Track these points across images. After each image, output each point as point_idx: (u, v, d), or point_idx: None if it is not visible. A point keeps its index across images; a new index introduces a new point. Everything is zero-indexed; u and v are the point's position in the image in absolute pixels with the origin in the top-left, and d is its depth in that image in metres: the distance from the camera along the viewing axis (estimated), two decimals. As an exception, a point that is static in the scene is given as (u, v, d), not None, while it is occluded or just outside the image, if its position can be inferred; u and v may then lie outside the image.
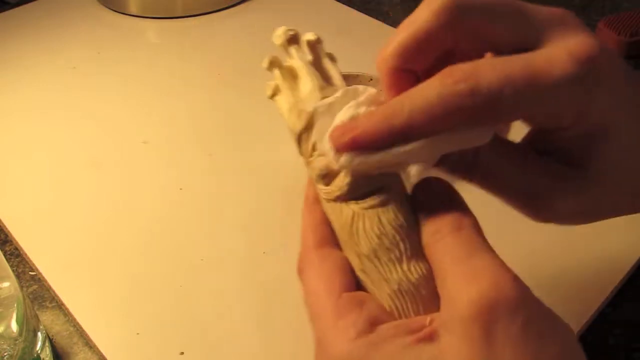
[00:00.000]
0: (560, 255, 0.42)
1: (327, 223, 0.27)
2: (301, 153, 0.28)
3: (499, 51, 0.25)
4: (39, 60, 0.63)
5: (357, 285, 0.25)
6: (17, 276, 0.41)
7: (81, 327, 0.38)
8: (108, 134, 0.53)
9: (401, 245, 0.24)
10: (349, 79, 0.51)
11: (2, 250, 0.41)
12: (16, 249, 0.45)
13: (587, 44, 0.23)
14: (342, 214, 0.25)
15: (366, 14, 0.70)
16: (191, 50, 0.65)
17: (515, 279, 0.22)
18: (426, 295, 0.24)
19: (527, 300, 0.22)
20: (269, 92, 0.29)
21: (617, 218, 0.45)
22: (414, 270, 0.24)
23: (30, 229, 0.44)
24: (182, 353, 0.36)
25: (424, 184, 0.25)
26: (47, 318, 0.40)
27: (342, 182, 0.25)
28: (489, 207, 0.46)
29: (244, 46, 0.64)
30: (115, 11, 0.72)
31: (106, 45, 0.66)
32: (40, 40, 0.66)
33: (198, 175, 0.49)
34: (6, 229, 0.45)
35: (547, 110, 0.24)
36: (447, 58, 0.25)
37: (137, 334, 0.37)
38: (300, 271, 0.26)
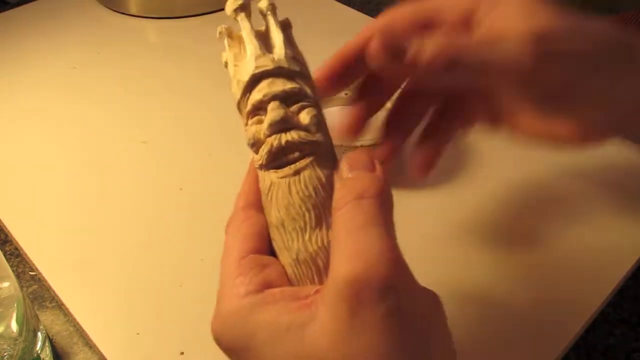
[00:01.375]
0: (560, 255, 0.42)
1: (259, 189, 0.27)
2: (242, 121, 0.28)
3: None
4: (39, 60, 0.63)
5: (271, 250, 0.26)
6: (17, 276, 0.41)
7: (81, 327, 0.38)
8: (108, 134, 0.53)
9: (306, 215, 0.25)
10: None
11: (2, 250, 0.41)
12: (16, 249, 0.45)
13: None
14: (264, 183, 0.26)
15: (366, 14, 0.70)
16: (191, 50, 0.65)
17: (394, 261, 0.22)
18: (323, 266, 0.24)
19: (400, 284, 0.21)
20: (223, 61, 0.29)
21: (618, 218, 0.45)
22: (314, 241, 0.24)
23: (30, 229, 0.44)
24: (182, 353, 0.36)
25: (349, 154, 0.26)
26: (47, 318, 0.40)
27: (263, 150, 0.26)
28: (490, 207, 0.46)
29: (244, 46, 0.64)
30: (115, 11, 0.72)
31: (106, 45, 0.66)
32: (40, 40, 0.66)
33: (198, 175, 0.49)
34: (6, 229, 0.45)
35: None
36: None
37: (137, 334, 0.37)
38: (226, 229, 0.27)
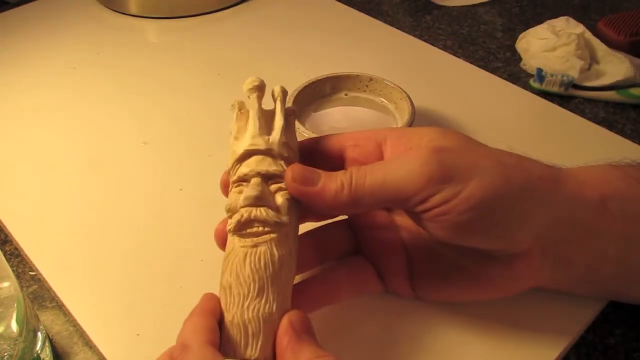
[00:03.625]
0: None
1: None
2: None
3: None
4: (39, 60, 0.63)
5: None
6: (17, 276, 0.41)
7: (81, 327, 0.38)
8: (108, 135, 0.53)
9: (251, 285, 0.28)
10: (349, 79, 0.52)
11: (2, 250, 0.41)
12: (16, 249, 0.45)
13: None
14: (228, 246, 0.30)
15: (366, 13, 0.70)
16: (191, 50, 0.65)
17: None
18: (251, 334, 0.27)
19: None
20: (230, 131, 0.33)
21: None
22: (251, 310, 0.27)
23: (30, 229, 0.44)
24: (182, 353, 0.36)
25: None
26: (47, 318, 0.40)
27: (234, 218, 0.29)
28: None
29: (244, 46, 0.65)
30: (115, 11, 0.72)
31: (106, 45, 0.66)
32: (40, 40, 0.66)
33: (198, 175, 0.49)
34: (6, 229, 0.45)
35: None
36: None
37: (137, 334, 0.37)
38: None
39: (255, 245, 0.29)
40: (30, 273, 0.43)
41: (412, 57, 0.63)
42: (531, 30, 0.65)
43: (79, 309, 0.39)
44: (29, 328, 0.33)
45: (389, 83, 0.50)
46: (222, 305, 0.29)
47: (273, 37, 0.66)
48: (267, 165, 0.30)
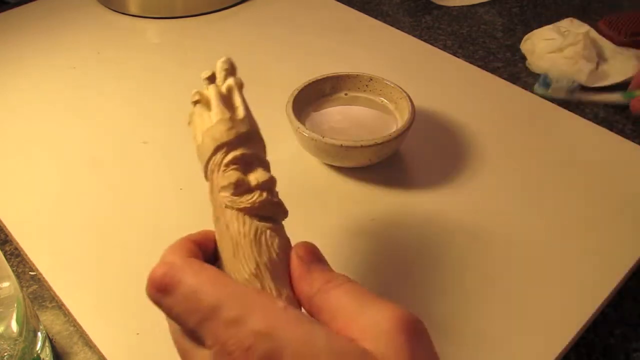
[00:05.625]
0: (560, 256, 0.42)
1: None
2: (206, 159, 0.32)
3: None
4: (39, 60, 0.63)
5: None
6: (17, 276, 0.41)
7: (81, 327, 0.38)
8: (108, 134, 0.53)
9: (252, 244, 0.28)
10: (349, 79, 0.52)
11: (2, 250, 0.41)
12: (16, 249, 0.45)
13: None
14: (245, 224, 0.29)
15: (366, 13, 0.70)
16: (191, 50, 0.65)
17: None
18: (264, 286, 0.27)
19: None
20: (189, 120, 0.33)
21: (618, 218, 0.45)
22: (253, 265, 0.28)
23: (30, 229, 0.44)
24: (182, 353, 0.36)
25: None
26: (47, 318, 0.40)
27: (255, 199, 0.29)
28: (489, 207, 0.46)
29: (244, 46, 0.64)
30: (115, 11, 0.72)
31: (106, 45, 0.66)
32: (40, 40, 0.66)
33: (198, 175, 0.49)
34: (6, 229, 0.45)
35: None
36: None
37: (137, 334, 0.37)
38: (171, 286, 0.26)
39: (274, 230, 0.29)
40: (30, 273, 0.43)
41: (412, 57, 0.63)
42: (536, 32, 0.65)
43: (79, 309, 0.39)
44: (29, 328, 0.33)
45: (388, 83, 0.50)
46: (229, 269, 0.29)
47: (273, 37, 0.66)
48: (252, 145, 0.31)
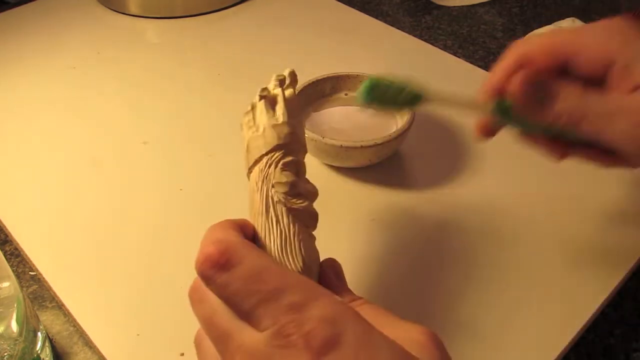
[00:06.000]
0: (560, 256, 0.42)
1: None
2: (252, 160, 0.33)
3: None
4: (39, 60, 0.63)
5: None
6: (17, 276, 0.41)
7: (81, 327, 0.38)
8: (108, 134, 0.53)
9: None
10: (349, 79, 0.51)
11: (2, 250, 0.41)
12: (16, 249, 0.45)
13: None
14: (295, 224, 0.31)
15: (366, 13, 0.70)
16: (191, 50, 0.65)
17: None
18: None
19: None
20: (248, 108, 0.35)
21: (618, 218, 0.45)
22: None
23: (30, 229, 0.44)
24: (182, 354, 0.36)
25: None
26: (47, 318, 0.40)
27: (306, 204, 0.31)
28: (490, 207, 0.46)
29: (243, 46, 0.64)
30: (115, 11, 0.72)
31: (106, 45, 0.66)
32: (40, 40, 0.66)
33: (198, 175, 0.49)
34: (6, 229, 0.45)
35: None
36: None
37: (138, 334, 0.37)
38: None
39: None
40: (30, 273, 0.43)
41: (412, 57, 0.63)
42: (536, 32, 0.65)
43: (79, 309, 0.39)
44: (29, 328, 0.33)
45: (389, 83, 0.50)
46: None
47: (273, 37, 0.66)
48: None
